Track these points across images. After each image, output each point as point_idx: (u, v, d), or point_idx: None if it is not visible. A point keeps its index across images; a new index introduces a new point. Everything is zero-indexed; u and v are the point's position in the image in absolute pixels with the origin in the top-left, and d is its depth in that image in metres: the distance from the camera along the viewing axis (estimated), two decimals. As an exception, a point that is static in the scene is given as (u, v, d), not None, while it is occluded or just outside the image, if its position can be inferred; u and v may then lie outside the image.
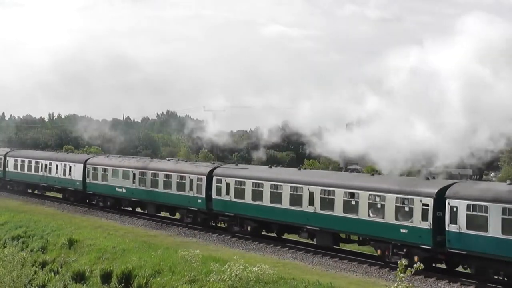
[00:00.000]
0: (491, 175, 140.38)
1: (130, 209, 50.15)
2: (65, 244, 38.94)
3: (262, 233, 39.10)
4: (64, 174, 55.48)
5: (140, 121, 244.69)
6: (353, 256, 33.24)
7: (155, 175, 45.55)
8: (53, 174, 57.09)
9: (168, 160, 49.70)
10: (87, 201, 54.57)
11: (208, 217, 42.04)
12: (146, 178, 46.23)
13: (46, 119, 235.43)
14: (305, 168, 51.32)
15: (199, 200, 41.45)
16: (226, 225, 40.90)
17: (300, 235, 36.05)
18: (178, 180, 43.33)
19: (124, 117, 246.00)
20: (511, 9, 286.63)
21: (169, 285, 29.65)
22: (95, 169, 52.05)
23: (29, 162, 61.04)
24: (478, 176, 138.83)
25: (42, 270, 35.12)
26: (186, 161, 47.79)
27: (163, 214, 47.39)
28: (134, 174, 47.45)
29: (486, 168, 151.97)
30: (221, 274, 27.82)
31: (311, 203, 34.13)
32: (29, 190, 63.19)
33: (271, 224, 37.72)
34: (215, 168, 41.54)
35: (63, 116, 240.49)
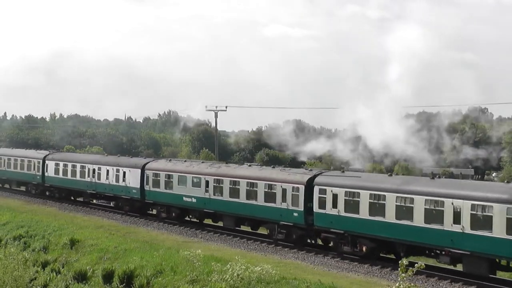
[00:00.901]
0: (493, 175, 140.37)
1: (197, 221, 44.62)
2: (67, 244, 38.96)
3: (381, 255, 33.61)
4: (117, 180, 49.49)
5: (141, 121, 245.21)
6: (354, 256, 33.20)
7: (234, 183, 39.34)
8: (103, 180, 51.16)
9: (249, 165, 43.36)
10: (146, 211, 48.86)
11: (307, 234, 35.95)
12: (222, 186, 40.20)
13: (47, 119, 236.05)
14: (402, 174, 46.20)
15: (295, 214, 35.23)
16: (332, 244, 35.15)
17: (440, 260, 30.03)
18: (266, 190, 37.12)
19: (126, 117, 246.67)
20: (510, 9, 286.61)
21: (170, 285, 29.66)
22: (156, 175, 45.69)
23: (73, 166, 55.04)
24: (479, 176, 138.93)
25: (44, 270, 35.13)
26: (273, 167, 40.72)
27: (243, 228, 41.92)
28: (207, 182, 41.28)
29: (488, 168, 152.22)
30: (222, 274, 27.83)
31: (457, 221, 28.14)
32: (72, 197, 57.98)
33: (395, 244, 31.64)
34: (315, 175, 35.37)
35: (65, 116, 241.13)
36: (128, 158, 53.11)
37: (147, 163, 47.79)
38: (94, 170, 52.55)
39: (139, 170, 47.34)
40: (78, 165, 54.63)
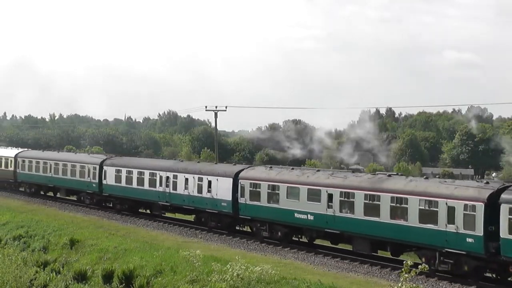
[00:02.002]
0: (493, 174, 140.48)
1: (306, 241, 37.61)
2: (67, 244, 38.97)
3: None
4: (200, 191, 41.62)
5: (141, 121, 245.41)
6: (354, 256, 33.18)
7: (373, 197, 31.94)
8: (181, 190, 43.15)
9: (388, 175, 34.21)
10: (237, 227, 41.58)
11: (486, 264, 28.59)
12: (354, 201, 32.69)
13: (47, 119, 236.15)
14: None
15: (470, 240, 27.92)
16: None
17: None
18: (422, 207, 29.78)
19: (126, 117, 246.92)
20: (510, 9, 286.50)
21: (170, 285, 29.65)
22: (255, 185, 38.22)
23: (140, 173, 47.03)
24: (479, 176, 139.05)
25: (44, 270, 35.12)
26: (426, 178, 33.26)
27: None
28: (330, 196, 33.80)
29: (488, 167, 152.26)
30: (222, 274, 27.81)
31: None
32: (140, 209, 50.13)
33: None
34: (501, 189, 27.93)
35: (64, 116, 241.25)
36: (213, 164, 45.69)
37: (241, 170, 40.00)
38: (168, 178, 44.28)
39: (231, 180, 39.60)
40: (147, 172, 46.42)
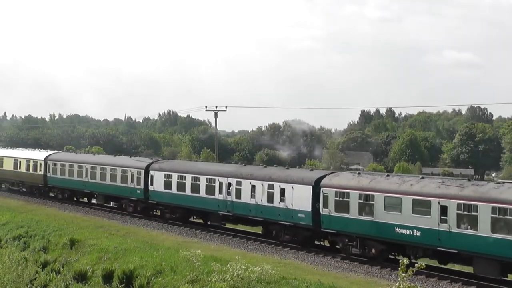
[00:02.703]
0: (493, 175, 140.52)
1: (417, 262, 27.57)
2: (67, 244, 38.97)
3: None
4: (271, 200, 36.65)
5: (141, 121, 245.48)
6: (354, 256, 33.18)
7: (505, 211, 26.70)
8: (246, 199, 38.18)
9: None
10: (320, 242, 36.66)
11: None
12: (477, 215, 27.60)
13: (47, 119, 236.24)
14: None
15: None
16: None
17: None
18: None
19: (126, 117, 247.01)
20: (510, 9, 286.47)
21: (170, 285, 29.66)
22: (341, 194, 33.08)
23: (195, 179, 41.89)
24: (479, 176, 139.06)
25: (44, 270, 35.12)
26: None
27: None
28: (443, 208, 28.94)
29: (488, 167, 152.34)
30: (222, 274, 27.82)
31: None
32: (192, 218, 45.21)
33: None
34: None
35: (64, 116, 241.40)
36: (285, 169, 39.41)
37: (323, 177, 34.96)
38: (230, 184, 39.32)
39: (310, 188, 34.70)
40: (203, 178, 41.30)
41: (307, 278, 27.99)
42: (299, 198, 35.15)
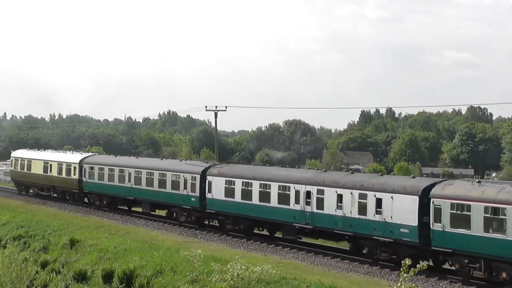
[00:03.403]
0: (493, 175, 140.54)
1: None
2: (67, 244, 38.95)
3: None
4: (363, 212, 31.71)
5: (141, 121, 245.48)
6: (354, 256, 33.17)
7: None
8: (330, 210, 33.32)
9: None
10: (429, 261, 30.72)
11: None
12: None
13: (47, 119, 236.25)
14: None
15: None
16: None
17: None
18: None
19: (126, 117, 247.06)
20: (509, 9, 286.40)
21: (170, 285, 29.65)
22: (460, 207, 28.08)
23: (264, 186, 37.17)
24: (479, 176, 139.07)
25: (44, 270, 35.12)
26: None
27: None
28: None
29: (488, 167, 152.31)
30: (222, 274, 27.80)
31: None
32: (259, 230, 40.55)
33: None
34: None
35: (64, 116, 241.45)
36: (379, 175, 34.04)
37: (431, 186, 29.99)
38: (309, 193, 34.54)
39: (416, 198, 29.75)
40: (275, 185, 36.52)
41: (307, 278, 27.96)
42: (401, 210, 30.17)
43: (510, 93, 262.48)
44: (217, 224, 42.09)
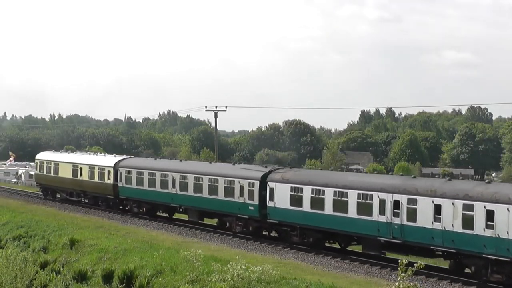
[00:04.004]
0: (493, 174, 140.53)
1: None
2: (67, 244, 38.94)
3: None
4: (469, 225, 27.83)
5: (141, 121, 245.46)
6: (354, 256, 33.17)
7: None
8: (425, 222, 29.42)
9: None
10: None
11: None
12: None
13: (47, 119, 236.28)
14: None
15: None
16: None
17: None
18: None
19: (126, 117, 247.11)
20: (509, 9, 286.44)
21: (170, 285, 29.65)
22: None
23: (340, 194, 33.10)
24: (479, 176, 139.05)
25: (44, 270, 35.10)
26: None
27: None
28: None
29: (488, 167, 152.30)
30: (222, 274, 27.81)
31: None
32: (329, 243, 36.43)
33: None
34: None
35: (64, 117, 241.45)
36: (484, 183, 29.98)
37: None
38: (397, 203, 30.78)
39: None
40: (353, 193, 32.57)
41: (307, 278, 27.97)
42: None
43: (510, 93, 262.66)
44: (277, 235, 38.48)
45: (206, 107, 76.35)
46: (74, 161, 55.10)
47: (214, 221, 43.26)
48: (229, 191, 39.15)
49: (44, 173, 58.55)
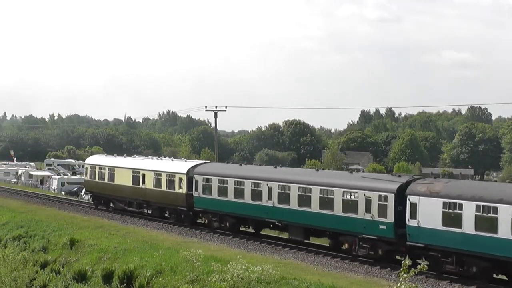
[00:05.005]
0: (493, 175, 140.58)
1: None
2: (67, 244, 38.94)
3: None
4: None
5: (141, 121, 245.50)
6: (354, 256, 33.12)
7: None
8: None
9: None
10: None
11: None
12: None
13: (47, 120, 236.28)
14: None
15: None
16: None
17: None
18: None
19: (126, 117, 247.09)
20: (509, 9, 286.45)
21: (170, 285, 29.64)
22: None
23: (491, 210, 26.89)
24: (479, 176, 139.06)
25: (43, 270, 35.12)
26: None
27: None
28: None
29: (488, 167, 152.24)
30: (222, 274, 27.81)
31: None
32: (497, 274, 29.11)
33: None
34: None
35: (64, 117, 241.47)
36: None
37: None
38: None
39: None
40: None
41: (307, 278, 27.95)
42: None
43: (510, 93, 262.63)
44: (419, 261, 29.09)
45: (206, 107, 76.32)
46: (135, 166, 48.03)
47: (322, 241, 36.89)
48: (349, 206, 32.40)
49: (96, 179, 51.55)
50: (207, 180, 40.96)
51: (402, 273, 16.69)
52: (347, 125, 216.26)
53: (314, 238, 36.71)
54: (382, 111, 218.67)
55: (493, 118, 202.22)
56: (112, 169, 49.99)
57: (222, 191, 39.74)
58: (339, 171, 47.77)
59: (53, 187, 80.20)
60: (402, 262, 16.92)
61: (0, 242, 42.92)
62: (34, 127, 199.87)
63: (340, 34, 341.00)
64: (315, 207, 34.04)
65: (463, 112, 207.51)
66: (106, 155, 56.65)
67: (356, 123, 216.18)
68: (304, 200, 34.64)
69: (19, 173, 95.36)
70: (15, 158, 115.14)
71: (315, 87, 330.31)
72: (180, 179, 42.85)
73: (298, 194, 35.03)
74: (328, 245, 34.92)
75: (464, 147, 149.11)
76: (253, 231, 40.06)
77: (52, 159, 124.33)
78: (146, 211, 47.80)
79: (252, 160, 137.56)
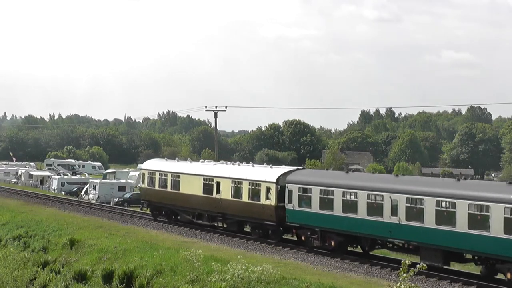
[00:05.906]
0: (493, 174, 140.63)
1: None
2: (67, 244, 38.94)
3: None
4: None
5: (141, 121, 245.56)
6: (354, 256, 33.14)
7: None
8: None
9: None
10: None
11: None
12: None
13: (47, 120, 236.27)
14: None
15: None
16: None
17: None
18: None
19: (126, 117, 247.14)
20: (508, 9, 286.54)
21: (170, 285, 29.64)
22: None
23: None
24: (479, 176, 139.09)
25: (44, 270, 35.12)
26: None
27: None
28: None
29: (488, 167, 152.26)
30: (222, 274, 27.81)
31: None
32: None
33: None
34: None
35: (64, 117, 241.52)
36: None
37: None
38: None
39: None
40: None
41: (307, 278, 27.95)
42: None
43: (510, 93, 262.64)
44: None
45: (206, 107, 76.36)
46: (207, 173, 41.53)
47: (466, 266, 31.52)
48: (481, 221, 26.94)
49: (156, 187, 45.23)
50: (305, 190, 34.86)
51: (402, 273, 16.70)
52: (347, 125, 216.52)
53: (454, 263, 30.68)
54: (382, 111, 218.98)
55: (493, 118, 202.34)
56: (176, 176, 43.68)
57: (327, 204, 33.60)
58: (492, 181, 39.04)
59: (53, 187, 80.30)
60: (402, 262, 16.93)
61: (0, 242, 42.92)
62: (34, 127, 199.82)
63: (339, 34, 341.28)
64: (461, 226, 27.60)
65: (463, 112, 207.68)
66: (166, 159, 49.23)
67: (356, 123, 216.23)
68: (444, 217, 28.36)
69: (19, 173, 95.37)
70: (14, 159, 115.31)
71: (315, 87, 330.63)
72: (268, 189, 36.71)
73: (436, 210, 28.62)
74: (479, 273, 28.51)
75: (464, 147, 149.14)
76: (361, 251, 34.33)
77: (52, 159, 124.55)
78: (219, 225, 41.39)
79: (252, 160, 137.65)
